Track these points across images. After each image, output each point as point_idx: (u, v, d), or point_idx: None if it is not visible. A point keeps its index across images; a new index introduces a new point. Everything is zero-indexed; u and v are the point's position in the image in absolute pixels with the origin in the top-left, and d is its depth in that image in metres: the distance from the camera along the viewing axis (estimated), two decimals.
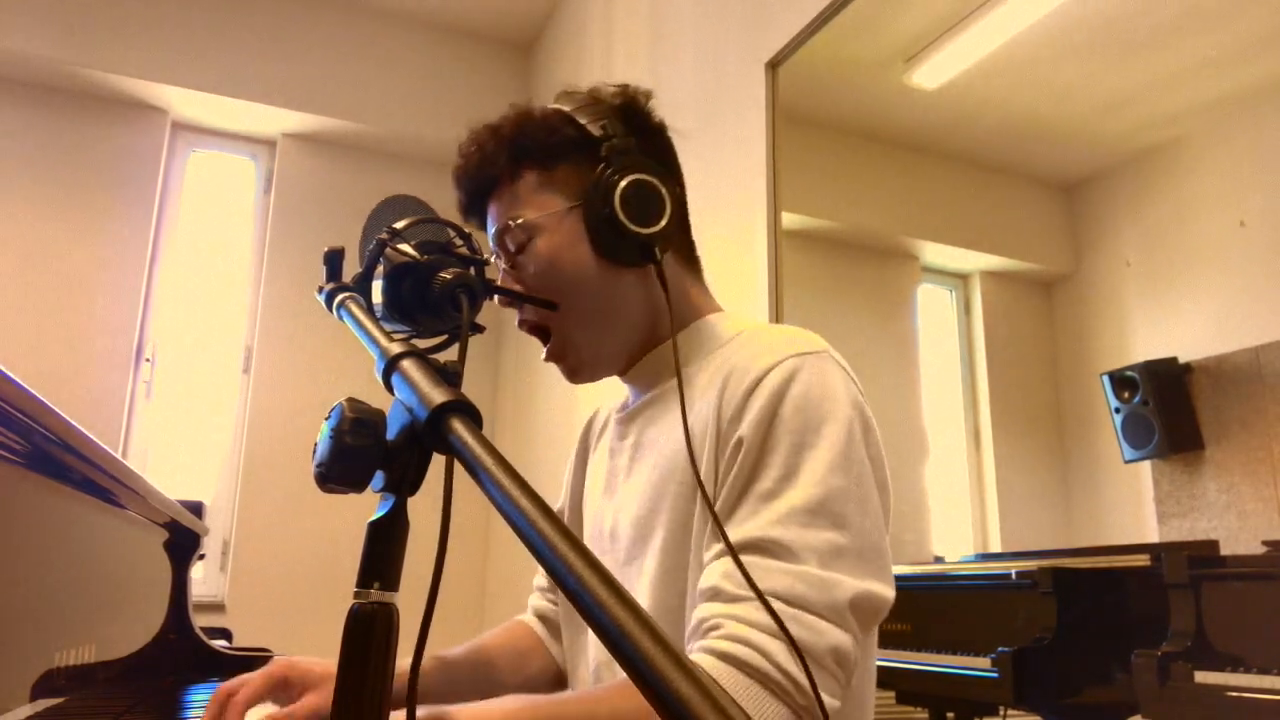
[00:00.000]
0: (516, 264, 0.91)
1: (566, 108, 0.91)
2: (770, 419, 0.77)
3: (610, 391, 1.02)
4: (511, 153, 0.91)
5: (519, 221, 0.90)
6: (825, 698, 0.68)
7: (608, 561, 0.93)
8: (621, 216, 0.85)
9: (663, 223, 0.87)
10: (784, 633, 0.67)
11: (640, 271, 0.90)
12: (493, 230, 0.93)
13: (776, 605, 0.69)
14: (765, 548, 0.72)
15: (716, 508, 0.77)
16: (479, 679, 0.99)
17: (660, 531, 0.84)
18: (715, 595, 0.73)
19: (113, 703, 1.08)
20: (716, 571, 0.74)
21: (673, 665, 0.33)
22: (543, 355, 0.94)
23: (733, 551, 0.71)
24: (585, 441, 1.08)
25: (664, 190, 0.88)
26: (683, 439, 0.83)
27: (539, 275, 0.90)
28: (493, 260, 0.97)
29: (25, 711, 0.77)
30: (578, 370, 0.94)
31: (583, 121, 0.89)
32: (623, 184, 0.86)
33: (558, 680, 1.04)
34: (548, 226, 0.89)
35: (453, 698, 0.95)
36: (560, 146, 0.90)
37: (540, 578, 1.12)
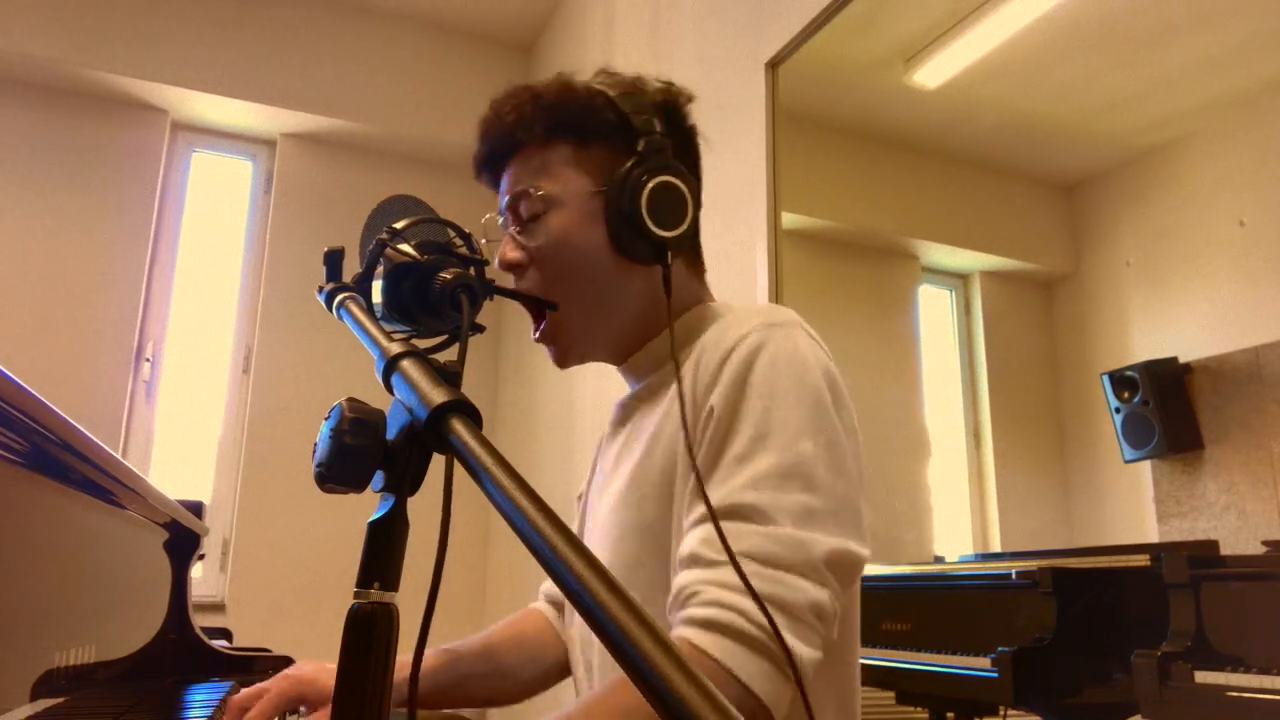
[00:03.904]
0: (524, 230, 0.91)
1: (611, 91, 0.91)
2: (740, 385, 0.78)
3: (615, 393, 1.02)
4: (550, 121, 0.90)
5: (541, 192, 0.89)
6: (807, 650, 0.70)
7: None
8: (645, 216, 0.85)
9: (681, 228, 0.87)
10: (750, 590, 0.68)
11: (647, 268, 0.90)
12: (508, 193, 0.92)
13: (753, 566, 0.70)
14: (740, 512, 0.74)
15: (693, 478, 0.78)
16: (489, 672, 0.98)
17: (637, 518, 0.85)
18: (694, 561, 0.74)
19: (113, 703, 1.08)
20: (695, 538, 0.75)
21: (674, 666, 0.33)
22: (533, 335, 0.94)
23: (714, 515, 0.72)
24: (601, 440, 1.08)
25: (689, 196, 0.88)
26: (666, 429, 0.84)
27: (549, 251, 0.89)
28: (497, 220, 0.96)
29: (25, 711, 0.77)
30: (566, 354, 0.94)
31: (625, 109, 0.89)
32: (652, 184, 0.85)
33: (568, 669, 1.03)
34: (568, 204, 0.89)
35: (462, 691, 0.95)
36: (599, 128, 0.89)
37: None
